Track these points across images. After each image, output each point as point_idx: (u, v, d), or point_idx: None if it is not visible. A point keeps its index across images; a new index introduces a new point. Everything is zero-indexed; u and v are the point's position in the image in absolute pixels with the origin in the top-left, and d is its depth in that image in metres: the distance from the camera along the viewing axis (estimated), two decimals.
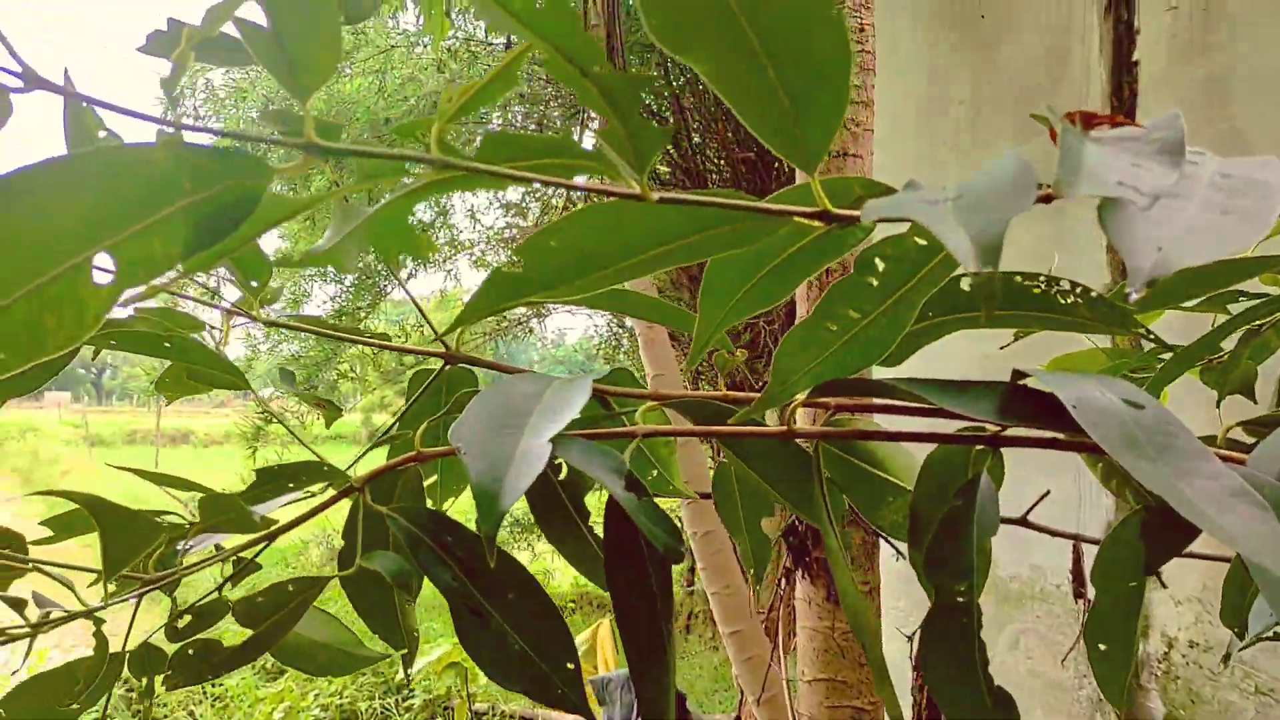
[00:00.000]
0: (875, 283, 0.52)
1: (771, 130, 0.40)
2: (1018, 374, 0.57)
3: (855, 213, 0.44)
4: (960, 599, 0.54)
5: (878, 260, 0.51)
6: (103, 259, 0.35)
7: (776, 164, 4.50)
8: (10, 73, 0.34)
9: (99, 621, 0.53)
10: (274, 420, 5.39)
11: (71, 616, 0.51)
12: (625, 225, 0.44)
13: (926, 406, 0.60)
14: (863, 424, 0.67)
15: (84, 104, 0.58)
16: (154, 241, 0.35)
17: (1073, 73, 2.30)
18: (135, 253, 0.35)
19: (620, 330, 6.24)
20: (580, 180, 0.41)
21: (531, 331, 6.54)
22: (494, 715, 4.13)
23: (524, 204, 5.75)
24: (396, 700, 4.31)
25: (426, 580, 0.58)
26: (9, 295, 0.34)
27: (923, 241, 0.51)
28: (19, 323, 0.34)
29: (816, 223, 0.43)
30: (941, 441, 0.59)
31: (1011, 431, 0.58)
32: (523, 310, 6.20)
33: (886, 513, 0.64)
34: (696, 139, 4.76)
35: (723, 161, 4.67)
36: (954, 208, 0.36)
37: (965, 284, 0.60)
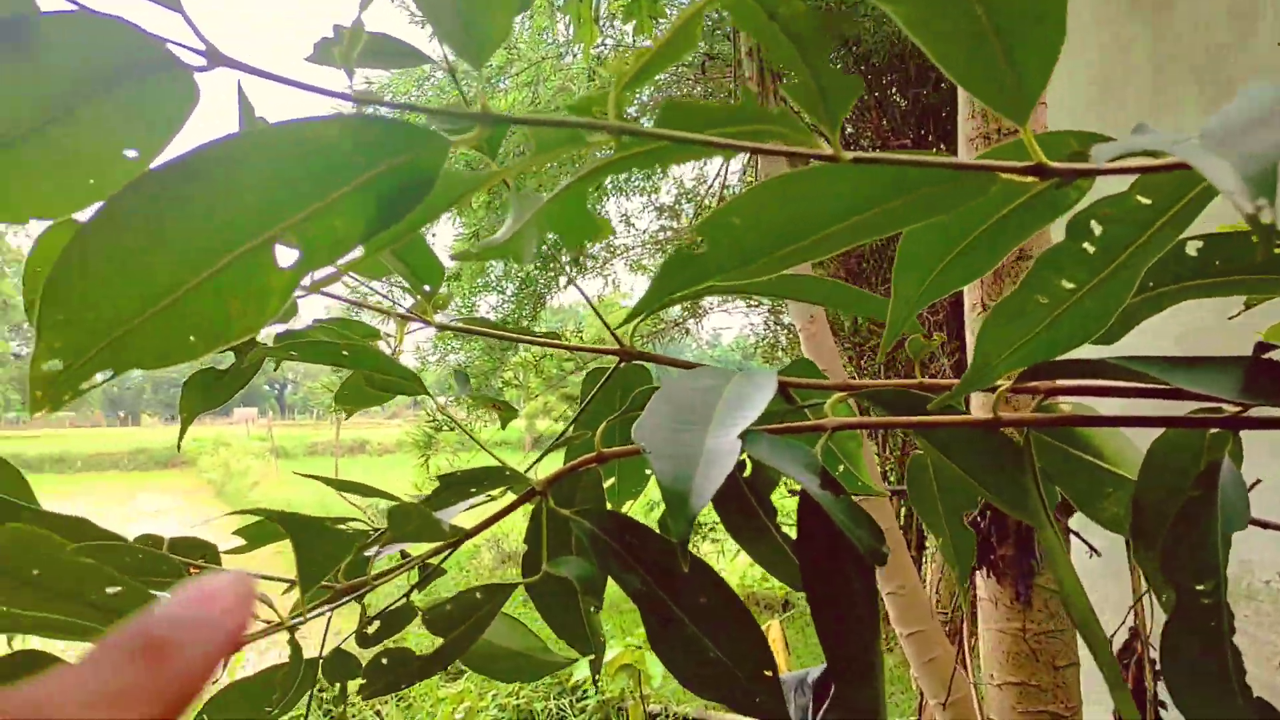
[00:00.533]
0: (1091, 249, 0.46)
1: (978, 75, 0.36)
2: (1262, 346, 0.51)
3: (1077, 165, 0.39)
4: (1205, 600, 0.48)
5: (1094, 224, 0.46)
6: (283, 241, 0.35)
7: (935, 150, 4.34)
8: (191, 49, 0.33)
9: (293, 629, 0.54)
10: (444, 429, 5.58)
11: (272, 628, 0.51)
12: (815, 195, 0.40)
13: (1146, 387, 0.54)
14: (1073, 408, 0.61)
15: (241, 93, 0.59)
16: (334, 221, 0.34)
17: (1261, 32, 2.11)
18: (316, 233, 0.34)
19: (778, 328, 6.15)
20: (768, 145, 0.38)
21: (688, 332, 6.53)
22: (667, 717, 4.13)
23: (677, 206, 5.75)
24: (571, 701, 4.37)
25: None
26: (194, 276, 0.33)
27: (1146, 200, 0.45)
28: (206, 306, 0.34)
29: (1031, 179, 0.39)
30: (1171, 425, 0.53)
31: (1254, 412, 0.52)
32: (678, 311, 6.19)
33: (1106, 505, 0.58)
34: (850, 129, 4.65)
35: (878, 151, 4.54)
36: (1207, 142, 0.31)
37: (1192, 248, 0.54)
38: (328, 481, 0.61)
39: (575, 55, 4.65)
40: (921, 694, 2.91)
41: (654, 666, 4.04)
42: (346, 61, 0.33)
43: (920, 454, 0.60)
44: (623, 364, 0.62)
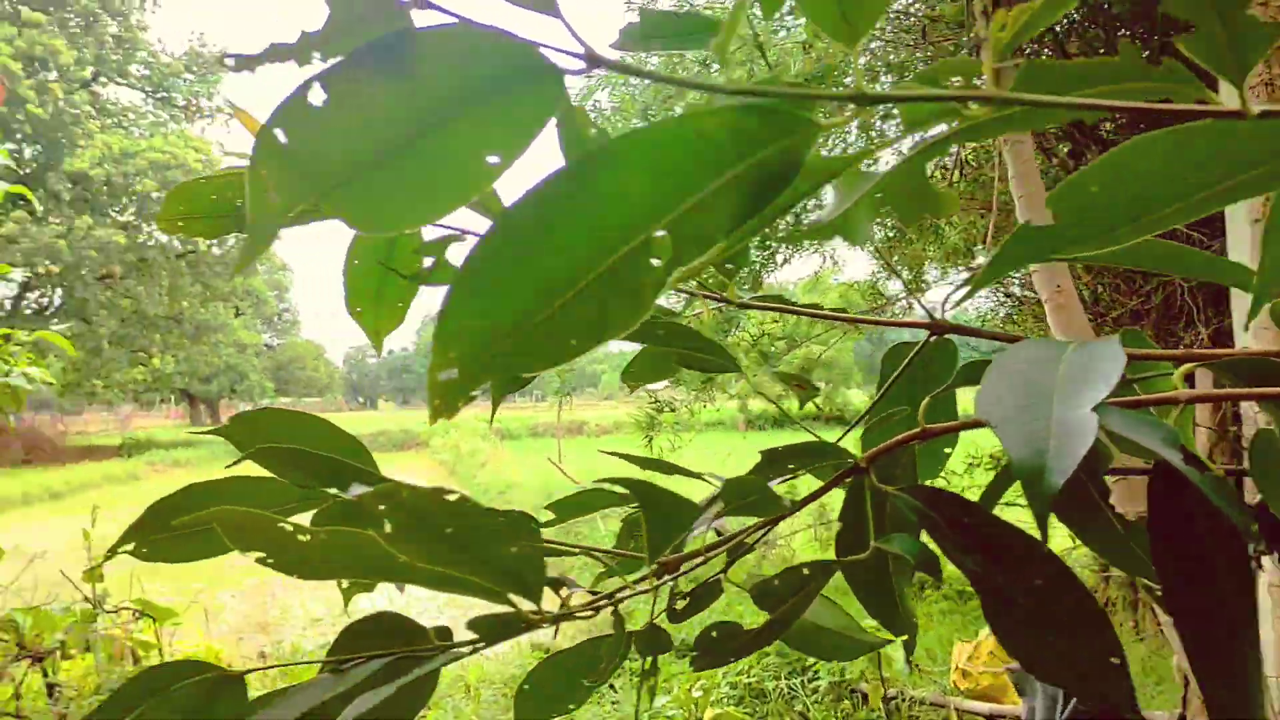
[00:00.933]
0: None
1: None
2: None
3: None
4: None
5: None
6: (656, 239, 0.35)
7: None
8: (566, 53, 0.35)
9: (617, 602, 0.56)
10: (665, 409, 5.72)
11: (599, 600, 0.53)
12: (1190, 155, 0.37)
13: None
14: None
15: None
16: (705, 215, 0.34)
17: None
18: (689, 229, 0.34)
19: (1006, 298, 5.85)
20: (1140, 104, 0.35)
21: (911, 307, 6.34)
22: (904, 701, 4.05)
23: None
24: (802, 681, 4.35)
25: None
26: (582, 279, 0.34)
27: None
28: (588, 307, 0.35)
29: None
30: None
31: None
32: (897, 285, 6.01)
33: None
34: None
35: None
36: None
37: None
38: (633, 459, 0.63)
39: (789, 30, 4.59)
40: (1187, 684, 2.73)
41: (894, 650, 3.96)
42: (722, 51, 0.33)
43: (1266, 429, 0.55)
44: (932, 338, 0.61)
